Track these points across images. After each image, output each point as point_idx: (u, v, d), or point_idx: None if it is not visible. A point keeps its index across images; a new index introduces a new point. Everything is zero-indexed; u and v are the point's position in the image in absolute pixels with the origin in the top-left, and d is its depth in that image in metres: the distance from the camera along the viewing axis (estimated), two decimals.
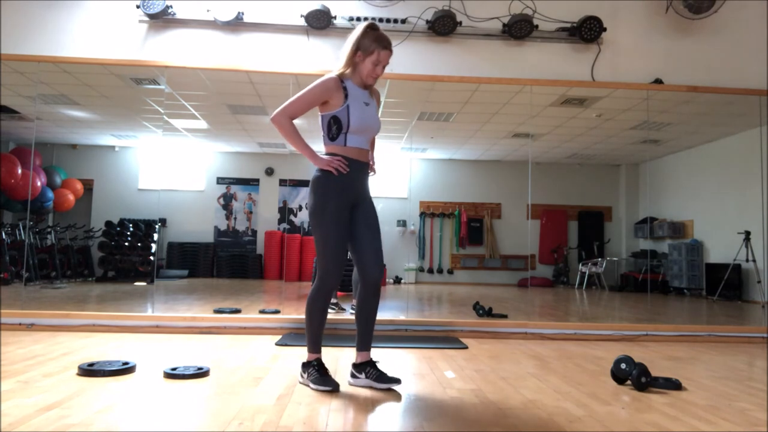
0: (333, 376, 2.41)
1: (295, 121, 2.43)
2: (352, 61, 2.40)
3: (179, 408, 2.06)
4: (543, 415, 2.08)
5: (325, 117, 2.39)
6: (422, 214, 10.62)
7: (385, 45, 2.39)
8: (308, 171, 10.35)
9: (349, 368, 2.56)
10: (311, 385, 2.38)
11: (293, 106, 2.37)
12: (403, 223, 10.04)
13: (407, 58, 4.73)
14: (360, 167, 2.43)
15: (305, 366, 2.47)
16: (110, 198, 9.94)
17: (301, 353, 3.22)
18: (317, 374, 2.39)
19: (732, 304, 7.12)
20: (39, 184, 8.23)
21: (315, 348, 2.47)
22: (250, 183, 10.52)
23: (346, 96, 2.37)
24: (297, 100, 2.37)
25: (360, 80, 2.43)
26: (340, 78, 2.39)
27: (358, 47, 2.38)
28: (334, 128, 2.37)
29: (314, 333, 2.47)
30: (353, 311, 4.62)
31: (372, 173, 2.56)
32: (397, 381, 2.41)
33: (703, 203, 8.48)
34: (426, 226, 10.63)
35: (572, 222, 10.75)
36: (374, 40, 2.37)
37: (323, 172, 2.36)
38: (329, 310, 4.63)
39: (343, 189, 2.37)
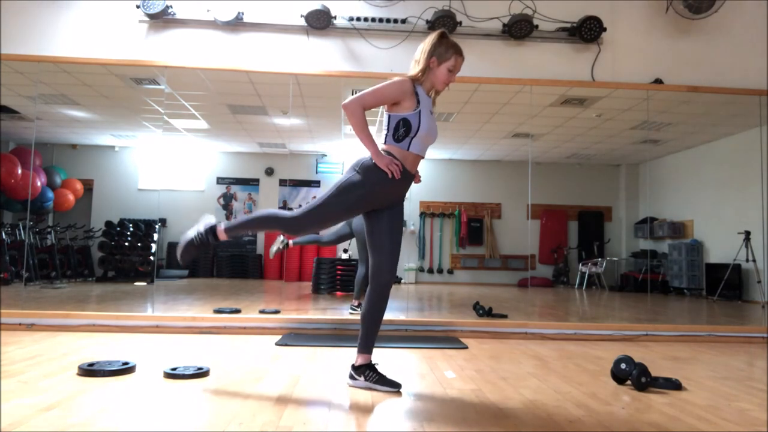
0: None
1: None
2: (427, 67, 2.42)
3: (179, 408, 2.06)
4: (543, 415, 2.08)
5: (394, 117, 2.39)
6: (422, 214, 10.63)
7: (461, 52, 2.46)
8: (308, 171, 10.38)
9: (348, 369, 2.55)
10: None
11: (369, 97, 2.35)
12: (403, 223, 10.02)
13: (407, 58, 4.67)
14: (408, 178, 2.44)
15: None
16: (110, 198, 9.94)
17: (301, 353, 3.22)
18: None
19: (732, 304, 7.12)
20: (39, 184, 8.23)
21: (230, 234, 2.52)
22: (250, 183, 10.52)
23: (418, 101, 2.39)
24: (373, 93, 2.36)
25: (430, 86, 2.47)
26: (413, 82, 2.41)
27: (433, 53, 2.41)
28: (402, 130, 2.38)
29: (244, 230, 2.58)
30: (352, 311, 4.67)
31: (417, 182, 2.57)
32: (398, 385, 2.39)
33: (703, 203, 8.48)
34: (426, 226, 10.63)
35: (572, 222, 10.75)
36: (450, 47, 2.43)
37: (377, 166, 2.37)
38: (352, 311, 4.68)
39: (383, 191, 2.38)
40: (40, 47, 4.60)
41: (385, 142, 2.42)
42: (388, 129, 2.41)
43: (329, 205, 2.39)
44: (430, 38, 2.45)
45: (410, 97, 2.37)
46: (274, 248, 5.15)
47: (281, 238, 5.08)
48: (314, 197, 2.34)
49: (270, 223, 2.53)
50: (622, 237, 10.50)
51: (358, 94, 2.36)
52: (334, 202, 2.38)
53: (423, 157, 2.47)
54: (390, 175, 2.32)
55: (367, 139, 2.34)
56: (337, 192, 2.38)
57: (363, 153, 2.43)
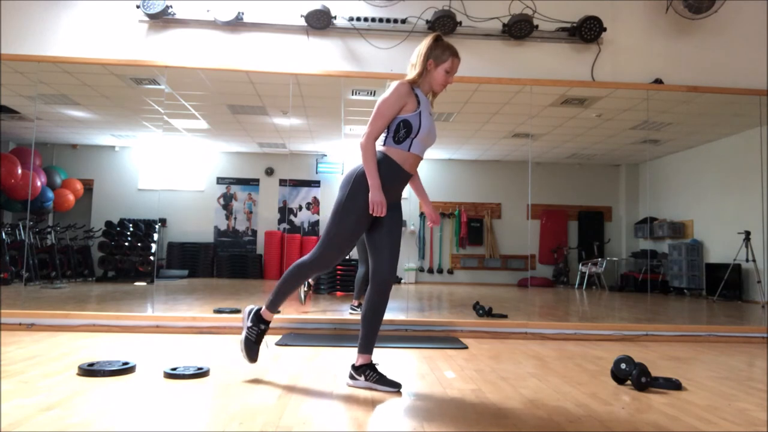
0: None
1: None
2: (425, 69, 2.43)
3: (179, 408, 2.06)
4: (543, 415, 2.08)
5: (395, 119, 2.40)
6: (422, 215, 10.62)
7: (456, 53, 2.47)
8: (308, 171, 10.38)
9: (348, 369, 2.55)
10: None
11: (376, 125, 2.37)
12: (403, 223, 10.03)
13: (407, 58, 4.69)
14: (405, 179, 2.45)
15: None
16: (110, 198, 9.93)
17: (301, 353, 3.22)
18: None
19: (732, 304, 7.12)
20: (39, 184, 8.23)
21: (274, 308, 2.54)
22: (250, 183, 10.52)
23: (418, 102, 2.40)
24: (377, 120, 2.36)
25: (428, 88, 2.48)
26: (410, 84, 2.42)
27: (429, 56, 2.42)
28: (402, 132, 2.38)
29: (283, 295, 2.54)
30: (352, 311, 4.67)
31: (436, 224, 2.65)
32: (398, 385, 2.39)
33: (703, 203, 8.48)
34: (426, 226, 10.62)
35: (572, 222, 10.75)
36: (446, 49, 2.44)
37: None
38: (352, 311, 4.69)
39: None
40: (40, 47, 4.60)
41: (384, 144, 2.43)
42: (388, 131, 2.42)
43: (339, 230, 2.41)
44: (426, 41, 2.46)
45: (410, 98, 2.38)
46: (302, 295, 5.15)
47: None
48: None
49: (300, 274, 2.51)
50: (622, 237, 10.50)
51: (367, 128, 2.37)
52: (344, 225, 2.40)
53: (422, 158, 2.48)
54: (371, 209, 2.32)
55: (374, 172, 2.33)
56: (339, 215, 2.40)
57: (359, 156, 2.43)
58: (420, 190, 2.69)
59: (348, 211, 2.39)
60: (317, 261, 2.47)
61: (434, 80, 2.45)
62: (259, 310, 2.55)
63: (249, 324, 2.53)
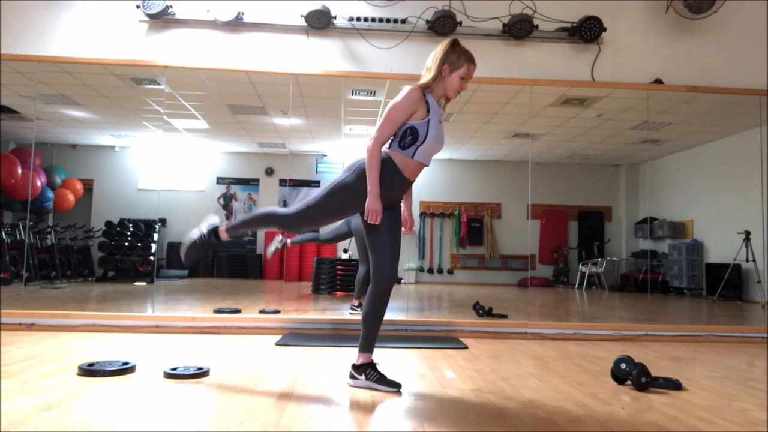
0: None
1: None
2: (439, 74, 2.40)
3: (179, 408, 2.06)
4: (543, 415, 2.08)
5: (403, 124, 2.38)
6: (422, 214, 10.63)
7: (473, 59, 2.45)
8: (308, 171, 10.38)
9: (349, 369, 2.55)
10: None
11: (385, 131, 2.34)
12: (401, 224, 10.01)
13: (407, 58, 4.74)
14: (404, 184, 2.43)
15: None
16: (110, 198, 9.94)
17: (301, 353, 3.22)
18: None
19: (732, 304, 7.12)
20: (39, 184, 8.23)
21: (231, 233, 2.63)
22: (250, 183, 10.52)
23: (428, 109, 2.37)
24: (387, 124, 2.34)
25: (441, 94, 2.45)
26: (422, 90, 2.40)
27: (444, 61, 2.40)
28: (409, 138, 2.36)
29: (244, 228, 2.67)
30: (352, 311, 4.67)
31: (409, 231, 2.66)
32: (398, 385, 2.39)
33: (703, 203, 8.48)
34: (426, 226, 10.63)
35: (572, 222, 10.75)
36: (462, 54, 2.42)
37: None
38: (352, 311, 4.69)
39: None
40: (40, 47, 4.60)
41: (389, 147, 2.41)
42: (395, 135, 2.40)
43: (323, 205, 2.43)
44: (442, 46, 2.42)
45: (420, 105, 2.36)
46: (272, 247, 5.15)
47: (279, 237, 5.09)
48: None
49: (267, 220, 2.58)
50: (622, 237, 10.50)
51: (375, 132, 2.34)
52: (327, 202, 2.42)
53: (427, 166, 2.45)
54: (366, 216, 2.31)
55: (375, 179, 2.32)
56: (331, 192, 2.41)
57: (361, 152, 2.42)
58: (407, 195, 2.66)
59: (343, 190, 2.40)
60: (287, 219, 2.50)
61: (448, 85, 2.42)
62: (219, 225, 2.62)
63: (204, 231, 2.62)
